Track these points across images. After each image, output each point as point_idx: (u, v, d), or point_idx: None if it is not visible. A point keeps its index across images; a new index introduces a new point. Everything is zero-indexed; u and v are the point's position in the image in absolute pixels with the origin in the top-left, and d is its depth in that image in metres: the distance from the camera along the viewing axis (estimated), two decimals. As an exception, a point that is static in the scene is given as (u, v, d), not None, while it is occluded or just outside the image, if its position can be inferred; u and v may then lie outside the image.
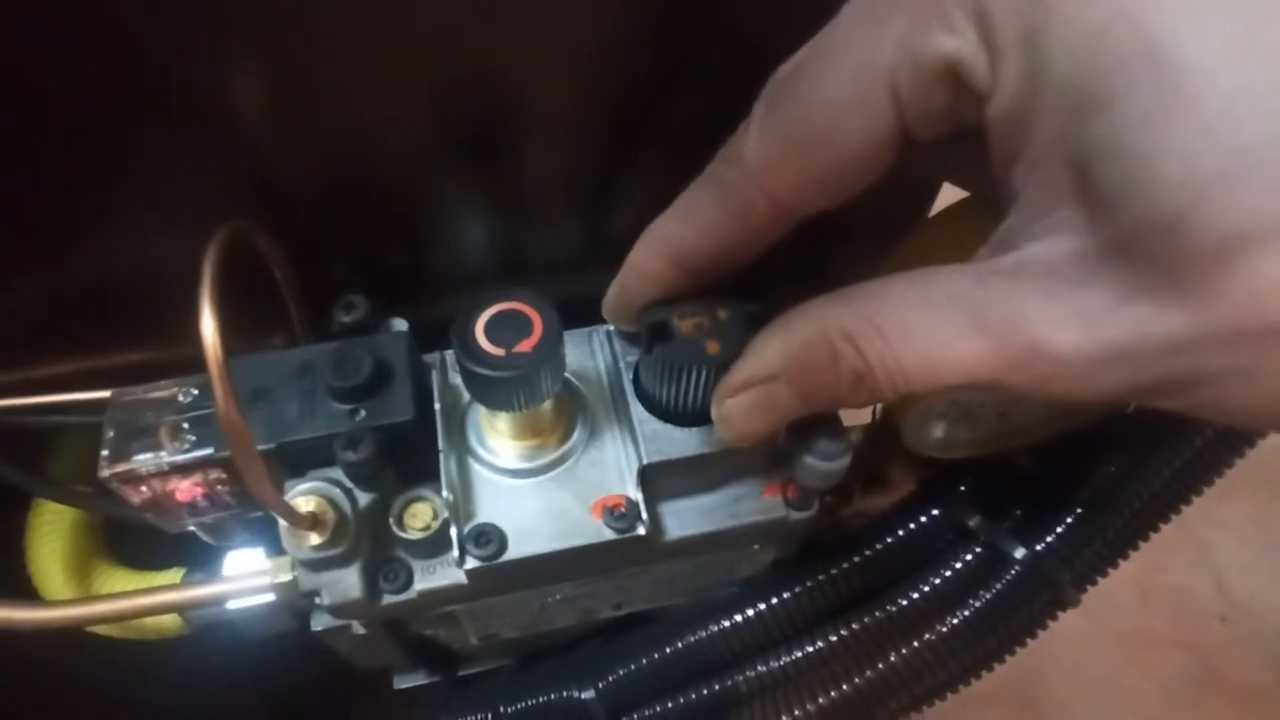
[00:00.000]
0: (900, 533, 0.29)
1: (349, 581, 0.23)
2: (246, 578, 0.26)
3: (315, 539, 0.22)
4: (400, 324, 0.26)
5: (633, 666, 0.30)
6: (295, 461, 0.23)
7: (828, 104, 0.17)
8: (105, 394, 0.26)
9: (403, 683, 0.35)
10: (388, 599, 0.24)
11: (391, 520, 0.23)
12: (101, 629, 0.31)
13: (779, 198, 0.19)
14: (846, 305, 0.18)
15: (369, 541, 0.23)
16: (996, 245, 0.17)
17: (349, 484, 0.23)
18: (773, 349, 0.20)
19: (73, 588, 0.31)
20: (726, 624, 0.29)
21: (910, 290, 0.17)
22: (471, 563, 0.23)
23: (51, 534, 0.31)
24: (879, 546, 0.29)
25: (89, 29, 0.20)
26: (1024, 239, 0.16)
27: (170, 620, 0.30)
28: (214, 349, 0.18)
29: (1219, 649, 1.15)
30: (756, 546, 0.28)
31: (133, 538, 0.33)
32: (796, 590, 0.29)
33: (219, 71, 0.22)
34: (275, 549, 0.27)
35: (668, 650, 0.30)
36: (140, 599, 0.27)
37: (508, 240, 0.30)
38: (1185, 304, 0.14)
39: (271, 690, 0.53)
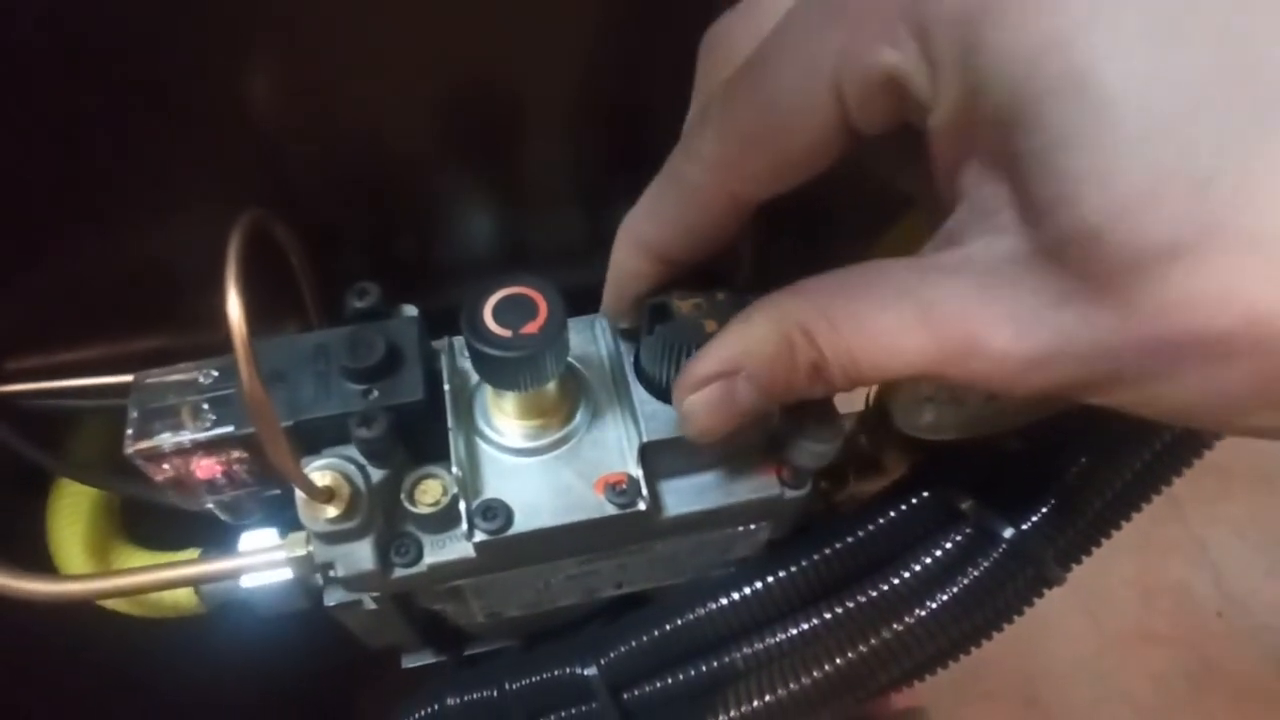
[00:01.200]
0: (892, 514, 0.30)
1: (362, 554, 0.24)
2: (262, 553, 0.27)
3: (332, 512, 0.23)
4: (410, 310, 0.27)
5: (633, 644, 0.31)
6: (311, 440, 0.24)
7: (777, 106, 0.18)
8: (126, 378, 0.28)
9: (410, 662, 0.36)
10: (399, 572, 0.25)
11: (403, 496, 0.24)
12: (121, 606, 0.32)
13: (736, 190, 0.20)
14: (801, 299, 0.19)
15: (381, 516, 0.25)
16: (941, 241, 0.18)
17: (362, 461, 0.24)
18: (731, 344, 0.21)
19: (92, 566, 0.32)
20: (724, 602, 0.30)
21: (860, 283, 0.18)
22: (480, 536, 0.24)
23: (72, 515, 0.32)
24: (871, 527, 0.30)
25: (117, 26, 0.21)
26: (967, 237, 0.17)
27: (188, 598, 0.31)
28: (239, 328, 0.19)
29: (1217, 646, 1.15)
30: (753, 526, 0.29)
31: (149, 522, 0.35)
32: (791, 570, 0.30)
33: (238, 69, 0.23)
34: (288, 531, 0.28)
35: (667, 628, 0.31)
36: (158, 573, 0.28)
37: (511, 232, 0.31)
38: (1106, 312, 0.14)
39: (281, 677, 0.54)
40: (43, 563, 0.32)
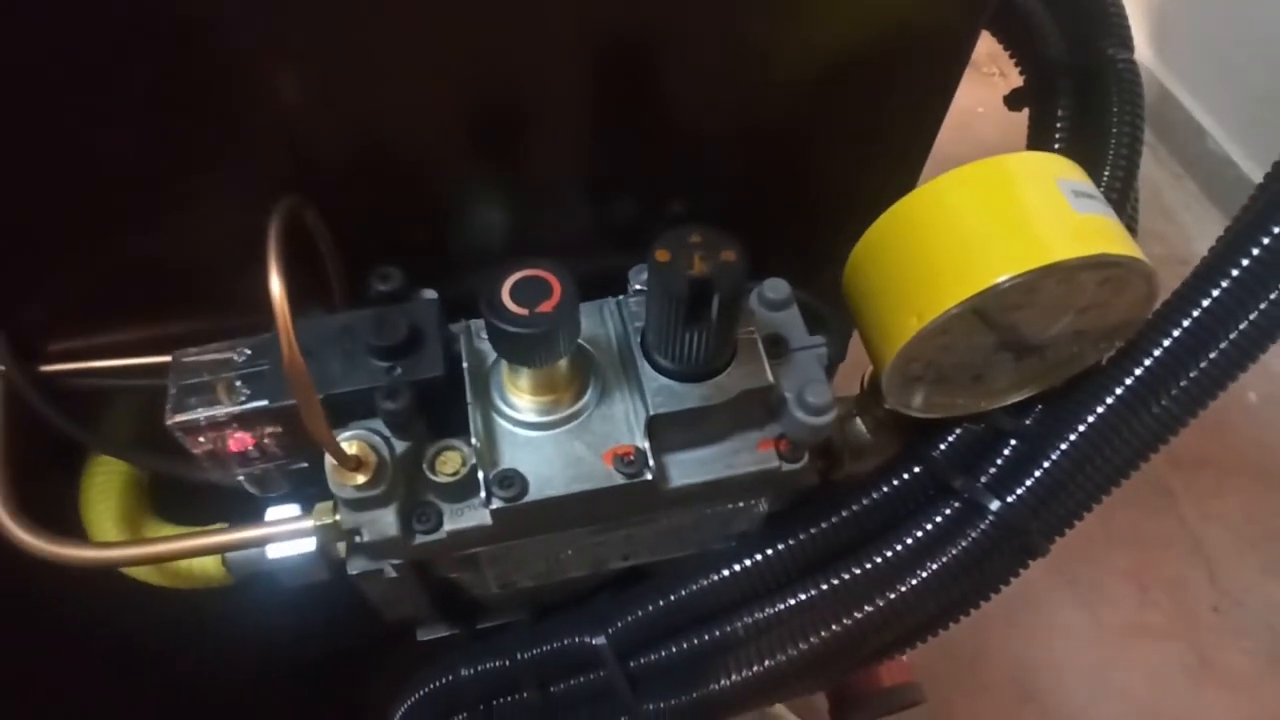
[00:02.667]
0: (885, 489, 0.32)
1: (386, 520, 0.26)
2: (287, 522, 0.29)
3: (360, 479, 0.24)
4: (430, 293, 0.29)
5: (640, 614, 0.32)
6: (339, 414, 0.26)
7: None
8: (160, 359, 0.29)
9: (425, 635, 0.38)
10: (420, 538, 0.26)
11: (425, 466, 0.26)
12: (152, 577, 0.33)
13: None
14: None
15: (404, 486, 0.26)
16: None
17: (386, 433, 0.26)
18: None
19: (124, 538, 0.33)
20: (725, 573, 0.32)
21: None
22: (497, 503, 0.26)
23: (105, 491, 0.34)
24: (865, 502, 0.32)
25: (160, 28, 0.23)
26: None
27: (216, 569, 0.33)
28: (281, 302, 0.20)
29: (1212, 640, 1.17)
30: (752, 502, 0.31)
31: (177, 501, 0.36)
32: (789, 543, 0.32)
33: (271, 70, 0.25)
34: (309, 508, 0.30)
35: (672, 598, 0.32)
36: (187, 541, 0.30)
37: (523, 223, 0.32)
38: None
39: (294, 658, 0.56)
40: (77, 536, 0.34)
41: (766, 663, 0.30)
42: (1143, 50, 1.16)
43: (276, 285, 0.20)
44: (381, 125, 0.27)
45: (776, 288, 0.29)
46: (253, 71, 0.25)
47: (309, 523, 0.29)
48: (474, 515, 0.26)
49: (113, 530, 0.33)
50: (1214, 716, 1.12)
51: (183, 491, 0.35)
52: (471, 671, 0.35)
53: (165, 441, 0.33)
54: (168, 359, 0.30)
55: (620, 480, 0.26)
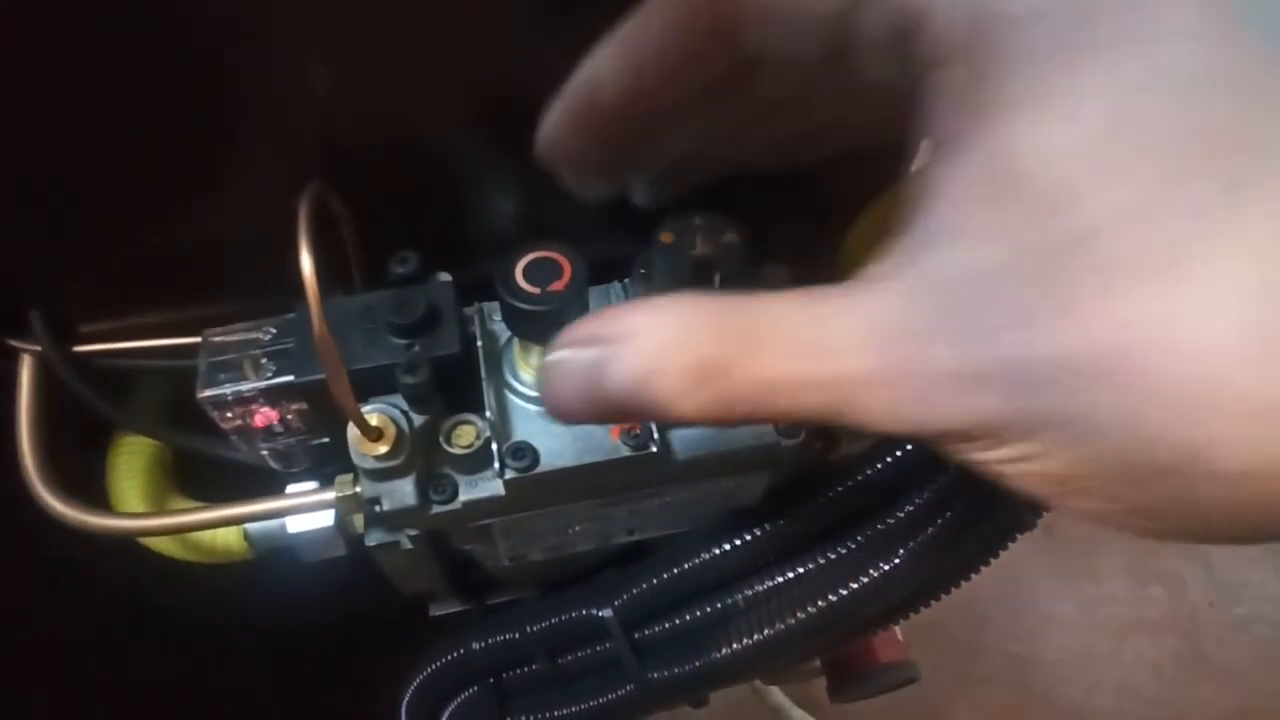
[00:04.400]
0: (879, 466, 0.33)
1: (405, 491, 0.27)
2: (307, 494, 0.30)
3: (381, 449, 0.26)
4: (445, 276, 0.30)
5: (645, 587, 0.34)
6: (360, 390, 0.27)
7: None
8: (188, 340, 0.31)
9: (438, 610, 0.39)
10: (436, 509, 0.28)
11: (441, 438, 0.27)
12: (175, 551, 0.35)
13: (722, 10, 0.19)
14: (724, 302, 0.17)
15: (421, 458, 0.28)
16: (902, 253, 0.16)
17: (405, 407, 0.27)
18: (627, 314, 0.18)
19: (151, 515, 0.35)
20: (726, 547, 0.33)
21: (798, 304, 0.17)
22: (510, 474, 0.27)
23: (130, 469, 0.35)
24: (860, 478, 0.33)
25: (189, 13, 0.24)
26: (934, 247, 0.15)
27: (238, 543, 0.34)
28: (311, 279, 0.22)
29: (1209, 635, 1.18)
30: (752, 478, 0.32)
31: (198, 482, 0.38)
32: (788, 519, 0.33)
33: (295, 57, 0.26)
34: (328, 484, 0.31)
35: (675, 571, 0.34)
36: (209, 512, 0.31)
37: (533, 210, 0.34)
38: (1075, 326, 0.14)
39: (301, 640, 0.57)
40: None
41: (766, 631, 0.32)
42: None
43: (307, 262, 0.22)
44: (403, 114, 0.29)
45: (777, 272, 0.30)
46: (283, 60, 0.26)
47: (330, 494, 0.30)
48: (488, 486, 0.28)
49: (139, 506, 0.35)
50: (1211, 709, 1.14)
51: (204, 473, 0.37)
52: (482, 645, 0.37)
53: (189, 421, 0.35)
54: (192, 340, 0.31)
55: (627, 453, 0.27)
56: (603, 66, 0.21)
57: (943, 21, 0.15)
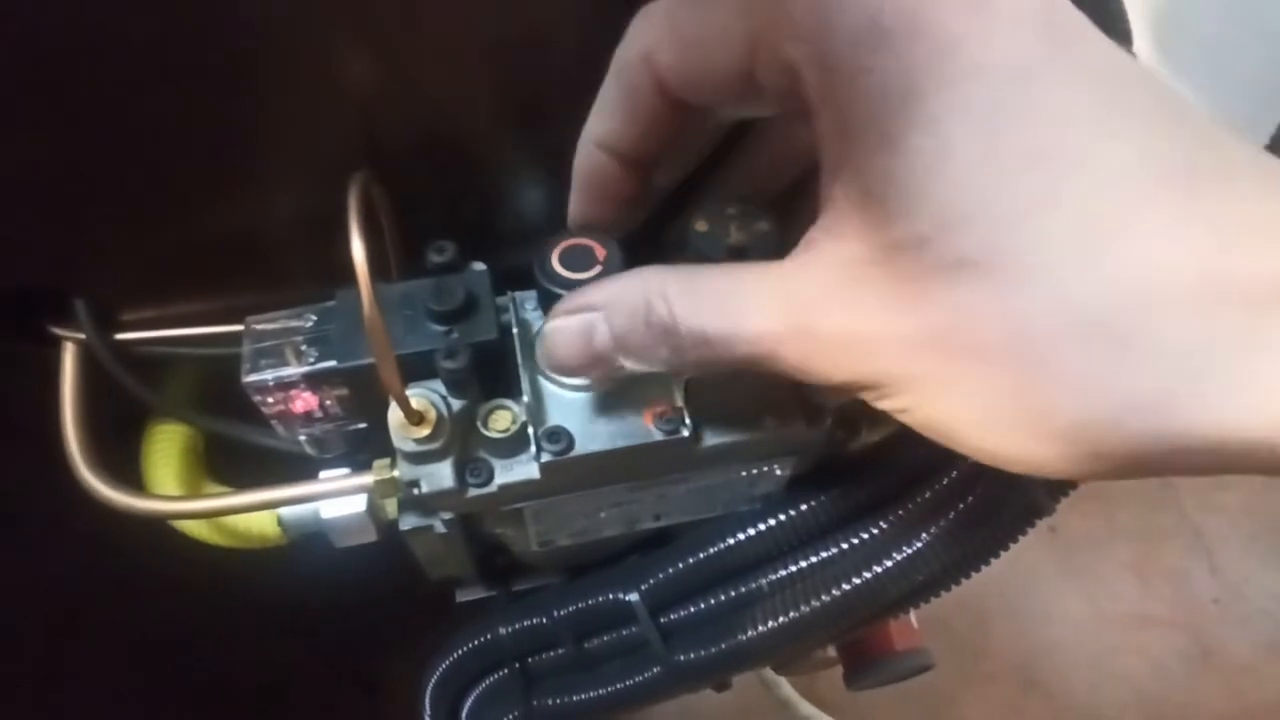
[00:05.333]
0: (899, 454, 0.34)
1: (443, 473, 0.28)
2: (342, 478, 0.31)
3: (421, 432, 0.27)
4: (479, 265, 0.31)
5: (670, 571, 0.35)
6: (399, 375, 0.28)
7: (708, 25, 0.21)
8: (227, 328, 0.32)
9: (464, 596, 0.40)
10: (473, 491, 0.28)
11: (479, 423, 0.28)
12: (213, 536, 0.36)
13: (658, 75, 0.23)
14: (675, 272, 0.22)
15: (459, 443, 0.28)
16: (803, 246, 0.21)
17: (444, 392, 0.28)
18: (603, 287, 0.24)
19: (187, 501, 0.35)
20: (751, 533, 0.34)
21: (726, 272, 0.22)
22: (546, 457, 0.28)
23: (166, 455, 0.36)
24: (881, 465, 0.34)
25: (232, 13, 0.25)
26: (824, 242, 0.20)
27: (271, 528, 0.35)
28: (362, 263, 0.22)
29: (1213, 630, 1.19)
30: (777, 468, 0.33)
31: (229, 470, 0.38)
32: (811, 504, 0.34)
33: (332, 51, 0.27)
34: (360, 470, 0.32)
35: (701, 556, 0.34)
36: (249, 495, 0.31)
37: (564, 201, 0.35)
38: (917, 309, 0.18)
39: (311, 634, 0.58)
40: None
41: (791, 614, 0.32)
42: (1144, 47, 1.18)
43: (358, 247, 0.22)
44: (438, 107, 0.29)
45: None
46: (324, 53, 0.27)
47: (364, 479, 0.31)
48: (523, 470, 0.28)
49: (174, 491, 0.35)
50: (1214, 704, 1.14)
51: (235, 462, 0.38)
52: (509, 629, 0.37)
53: (220, 408, 0.36)
54: (228, 328, 0.32)
55: (659, 437, 0.28)
56: (592, 148, 0.26)
57: (808, 76, 0.19)
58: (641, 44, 0.23)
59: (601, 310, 0.23)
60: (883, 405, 0.21)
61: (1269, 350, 0.16)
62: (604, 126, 0.25)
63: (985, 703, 1.16)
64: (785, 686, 0.82)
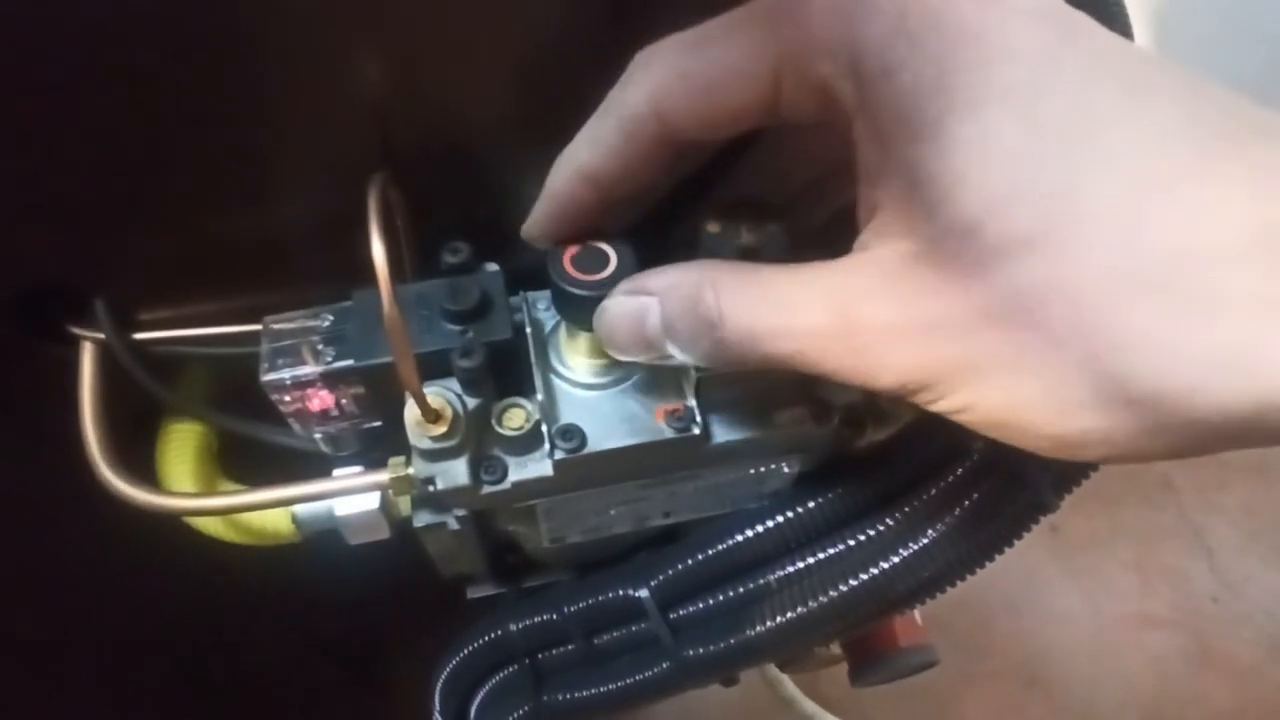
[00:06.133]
0: (906, 452, 0.34)
1: (458, 470, 0.28)
2: (357, 475, 0.31)
3: (437, 430, 0.27)
4: (493, 266, 0.31)
5: (680, 567, 0.35)
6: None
7: (720, 63, 0.22)
8: (244, 328, 0.32)
9: (475, 593, 0.40)
10: (487, 488, 0.29)
11: (493, 421, 0.29)
12: (228, 534, 0.36)
13: (667, 120, 0.23)
14: (730, 267, 0.23)
15: (473, 440, 0.29)
16: (855, 247, 0.21)
17: (459, 391, 0.28)
18: (662, 274, 0.24)
19: (201, 498, 0.36)
20: (759, 529, 0.34)
21: (782, 272, 0.22)
22: (559, 454, 0.28)
23: (180, 454, 0.36)
24: (888, 463, 0.34)
25: (250, 16, 0.26)
26: (871, 245, 0.20)
27: (286, 526, 0.35)
28: (382, 263, 0.23)
29: (1212, 628, 1.19)
30: (784, 466, 0.33)
31: (242, 470, 0.39)
32: (818, 501, 0.34)
33: (354, 56, 0.28)
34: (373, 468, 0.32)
35: (710, 553, 0.35)
36: (264, 492, 0.32)
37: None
38: (969, 293, 0.18)
39: (318, 628, 0.59)
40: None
41: (799, 609, 0.33)
42: (1143, 47, 1.18)
43: (378, 247, 0.23)
44: (452, 112, 0.30)
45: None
46: (340, 56, 0.27)
47: (378, 477, 0.31)
48: (537, 467, 0.29)
49: (189, 489, 0.36)
50: (1214, 702, 1.15)
51: (247, 461, 0.38)
52: (519, 626, 0.38)
53: (233, 407, 0.36)
54: (245, 328, 0.32)
55: (671, 434, 0.29)
56: (571, 174, 0.26)
57: (840, 89, 0.20)
58: (648, 94, 0.23)
59: (656, 295, 0.23)
60: (940, 406, 0.20)
61: None
62: (594, 161, 0.25)
63: (986, 701, 1.16)
64: (788, 685, 0.82)
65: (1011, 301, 0.17)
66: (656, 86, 0.23)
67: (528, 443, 0.29)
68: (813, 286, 0.21)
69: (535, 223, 0.27)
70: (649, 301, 0.23)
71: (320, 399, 0.29)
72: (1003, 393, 0.18)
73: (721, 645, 0.34)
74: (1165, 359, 0.16)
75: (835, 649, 0.53)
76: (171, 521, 0.36)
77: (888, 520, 0.34)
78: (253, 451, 0.36)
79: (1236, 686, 1.15)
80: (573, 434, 0.28)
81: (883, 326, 0.19)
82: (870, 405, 0.38)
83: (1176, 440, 0.17)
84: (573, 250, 0.27)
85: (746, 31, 0.22)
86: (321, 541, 0.35)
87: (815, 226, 0.31)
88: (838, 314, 0.20)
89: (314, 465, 0.34)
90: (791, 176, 0.29)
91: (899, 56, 0.19)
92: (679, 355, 0.23)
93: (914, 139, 0.19)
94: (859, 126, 0.20)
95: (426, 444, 0.28)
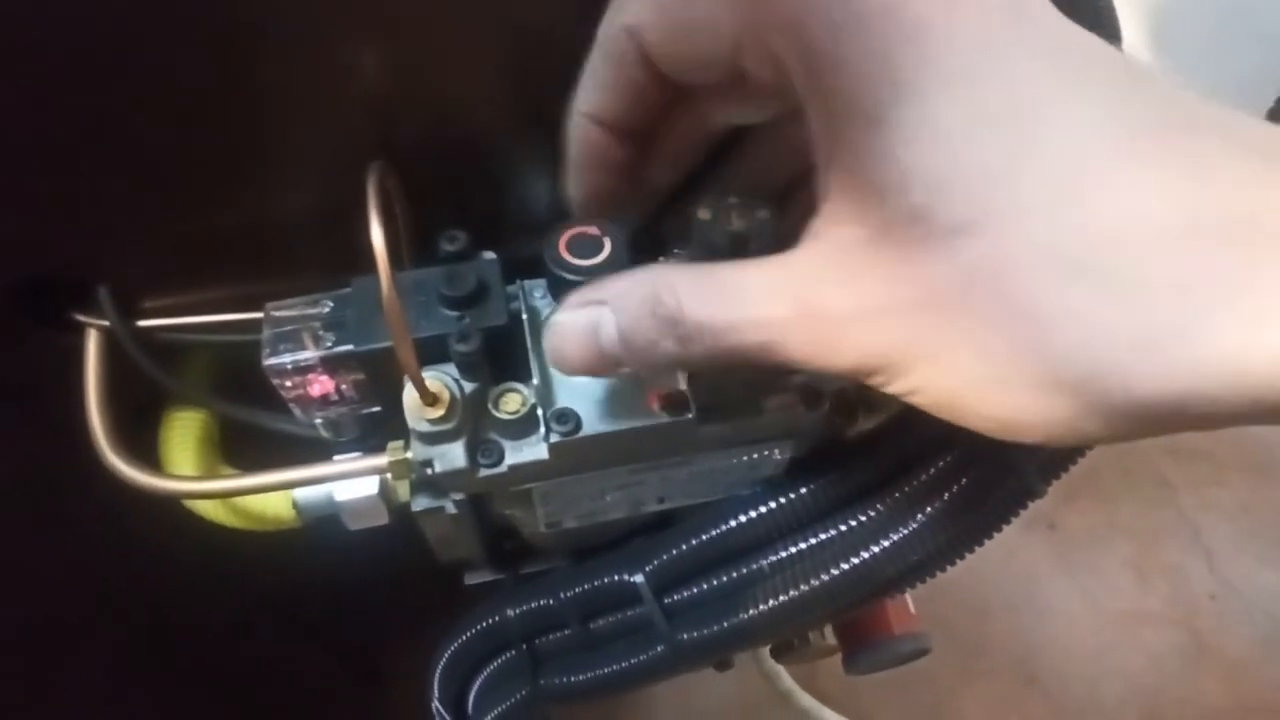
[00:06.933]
0: (895, 440, 0.35)
1: (456, 454, 0.29)
2: (356, 459, 0.32)
3: (435, 413, 0.28)
4: (489, 254, 0.32)
5: (674, 552, 0.36)
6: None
7: (692, 7, 0.22)
8: (246, 315, 0.33)
9: (472, 579, 0.41)
10: (484, 472, 0.30)
11: (490, 404, 0.29)
12: (229, 519, 0.37)
13: (643, 47, 0.23)
14: (680, 268, 0.23)
15: (470, 424, 0.29)
16: (806, 234, 0.21)
17: (456, 375, 0.29)
18: (610, 283, 0.23)
19: (203, 484, 0.36)
20: (752, 515, 0.35)
21: (736, 267, 0.22)
22: (555, 437, 0.29)
23: (183, 441, 0.37)
24: (878, 450, 0.35)
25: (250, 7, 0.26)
26: (823, 228, 0.21)
27: (286, 510, 0.36)
28: (381, 248, 0.23)
29: (1209, 626, 1.20)
30: (776, 452, 0.34)
31: (244, 457, 0.39)
32: (809, 487, 0.35)
33: (353, 46, 0.28)
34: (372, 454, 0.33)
35: (703, 538, 0.35)
36: (265, 476, 0.32)
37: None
38: (914, 277, 0.18)
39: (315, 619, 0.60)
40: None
41: (791, 593, 0.33)
42: (1140, 47, 1.19)
43: (377, 233, 0.23)
44: (449, 101, 0.30)
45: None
46: (339, 47, 0.28)
47: (377, 461, 0.32)
48: (532, 450, 0.30)
49: (192, 474, 0.37)
50: (1212, 700, 1.15)
51: (248, 450, 0.39)
52: (517, 611, 0.38)
53: (239, 394, 0.37)
54: (246, 316, 0.33)
55: (665, 419, 0.29)
56: (580, 118, 0.26)
57: (792, 66, 0.20)
58: (626, 17, 0.24)
59: (609, 304, 0.23)
60: (893, 389, 0.21)
61: (1270, 286, 0.16)
62: (592, 97, 0.25)
63: (984, 698, 1.17)
64: (786, 678, 0.83)
65: (952, 284, 0.18)
66: (634, 12, 0.24)
67: (524, 426, 0.29)
68: (770, 277, 0.21)
69: (570, 179, 0.28)
70: (600, 311, 0.23)
71: (320, 384, 0.30)
72: (947, 375, 0.19)
73: (715, 629, 0.35)
74: (1095, 341, 0.17)
75: (831, 639, 0.53)
76: (172, 509, 0.37)
77: (878, 506, 0.34)
78: (253, 441, 0.37)
79: (1234, 684, 1.16)
80: (568, 418, 0.29)
81: (836, 312, 0.20)
82: (860, 393, 0.39)
83: (1111, 423, 0.18)
84: (568, 235, 0.28)
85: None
86: (320, 529, 0.36)
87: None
88: (795, 302, 0.20)
89: (314, 453, 0.34)
90: (779, 169, 0.30)
91: (848, 42, 0.19)
92: (631, 366, 0.23)
93: (861, 125, 0.19)
94: (811, 110, 0.21)
95: (425, 427, 0.28)
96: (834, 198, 0.21)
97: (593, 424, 0.29)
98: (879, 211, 0.19)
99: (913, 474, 0.34)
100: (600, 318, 0.23)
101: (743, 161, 0.30)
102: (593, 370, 0.24)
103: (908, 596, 0.51)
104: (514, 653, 0.39)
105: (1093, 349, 0.17)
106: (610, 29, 0.24)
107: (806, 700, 0.85)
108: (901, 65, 0.18)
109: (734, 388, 0.31)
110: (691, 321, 0.22)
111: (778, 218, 0.27)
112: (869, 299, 0.19)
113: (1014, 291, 0.17)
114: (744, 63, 0.22)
